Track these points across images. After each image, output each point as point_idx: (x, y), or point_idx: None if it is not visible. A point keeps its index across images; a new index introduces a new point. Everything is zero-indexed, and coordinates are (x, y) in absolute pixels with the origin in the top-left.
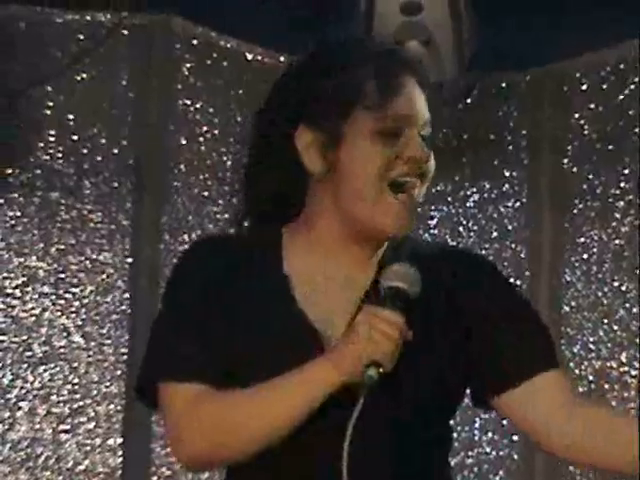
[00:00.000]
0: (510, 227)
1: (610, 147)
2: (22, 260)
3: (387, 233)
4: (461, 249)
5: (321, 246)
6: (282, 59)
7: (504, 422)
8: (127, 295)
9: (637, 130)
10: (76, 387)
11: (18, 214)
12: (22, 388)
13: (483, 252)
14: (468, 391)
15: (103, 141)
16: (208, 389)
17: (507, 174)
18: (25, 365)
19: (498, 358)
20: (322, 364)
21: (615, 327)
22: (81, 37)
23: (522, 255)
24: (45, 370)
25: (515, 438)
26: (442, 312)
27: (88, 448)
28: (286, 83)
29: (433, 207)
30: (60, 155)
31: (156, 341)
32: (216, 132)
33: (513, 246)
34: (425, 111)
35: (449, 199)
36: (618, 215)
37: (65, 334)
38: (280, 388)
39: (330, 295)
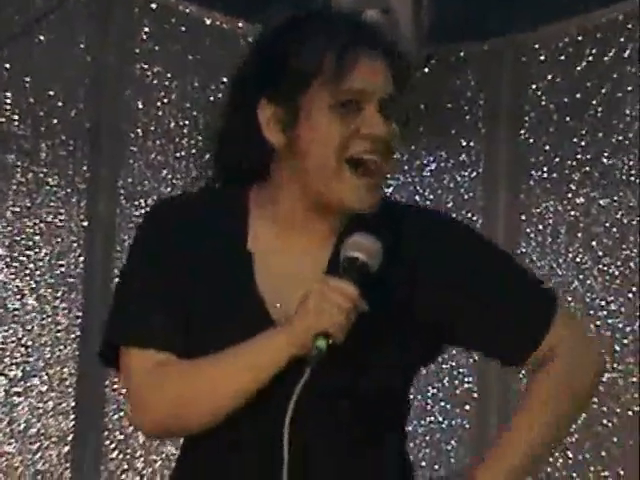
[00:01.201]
0: (466, 197)
1: (567, 119)
2: None
3: (347, 209)
4: (432, 214)
5: (284, 221)
6: (240, 25)
7: (457, 392)
8: (82, 259)
9: (592, 105)
10: (29, 350)
11: None
12: None
13: None
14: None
15: (60, 104)
16: (170, 357)
17: (464, 144)
18: None
19: (496, 343)
20: (274, 336)
21: (569, 298)
22: None
23: (478, 225)
24: None
25: (467, 407)
26: (406, 284)
27: (41, 411)
28: (253, 53)
29: (389, 175)
30: (16, 117)
31: (119, 305)
32: (173, 97)
33: (469, 216)
34: (388, 85)
35: (405, 167)
36: (574, 187)
37: (19, 297)
38: (233, 360)
39: (290, 277)
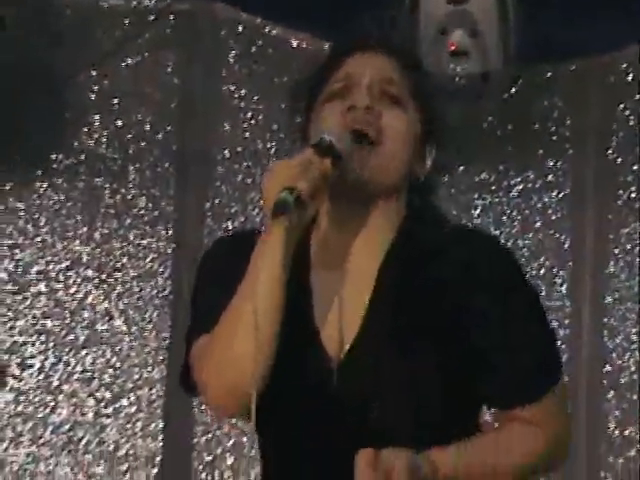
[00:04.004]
0: (554, 217)
1: None
2: (66, 244)
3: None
4: (482, 242)
5: (334, 232)
6: (326, 47)
7: None
8: (170, 281)
9: None
10: (118, 372)
11: (62, 198)
12: (64, 372)
13: (526, 242)
14: None
15: (148, 127)
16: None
17: (551, 164)
18: (67, 349)
19: (486, 382)
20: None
21: None
22: (127, 22)
23: (565, 245)
24: (87, 354)
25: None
26: (439, 308)
27: (129, 432)
28: None
29: (477, 196)
30: (105, 140)
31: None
32: (260, 119)
33: (557, 236)
34: (380, 71)
35: (493, 188)
36: None
37: (108, 318)
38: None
39: (343, 304)
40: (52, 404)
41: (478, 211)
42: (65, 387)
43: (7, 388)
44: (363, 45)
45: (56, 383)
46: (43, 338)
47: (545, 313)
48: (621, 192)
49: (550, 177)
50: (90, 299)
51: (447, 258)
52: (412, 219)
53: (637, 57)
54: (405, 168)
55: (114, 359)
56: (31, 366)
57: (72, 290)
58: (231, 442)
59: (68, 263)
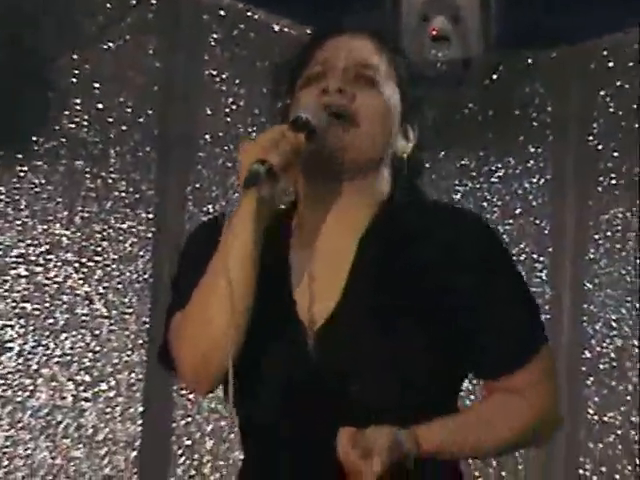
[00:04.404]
0: (534, 203)
1: (636, 125)
2: (46, 227)
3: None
4: (464, 220)
5: (311, 210)
6: (308, 31)
7: None
8: (150, 264)
9: None
10: (97, 355)
11: (43, 182)
12: (44, 355)
13: (507, 227)
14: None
15: (129, 110)
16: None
17: (532, 150)
18: (47, 332)
19: (473, 354)
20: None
21: (637, 305)
22: (109, 6)
23: (546, 231)
24: (67, 338)
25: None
26: (420, 287)
27: (108, 416)
28: None
29: (458, 182)
30: (86, 124)
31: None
32: (241, 103)
33: (537, 222)
34: (356, 54)
35: (474, 174)
36: None
37: (87, 302)
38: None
39: (320, 280)
40: (31, 388)
41: (459, 196)
42: (44, 371)
43: None
44: (343, 28)
45: (35, 367)
46: (22, 321)
47: (528, 290)
48: (601, 179)
49: (531, 163)
50: (70, 282)
51: (429, 237)
52: (394, 198)
53: (617, 44)
54: (382, 147)
55: (94, 343)
56: (10, 349)
57: (52, 273)
58: (210, 426)
59: (48, 246)
